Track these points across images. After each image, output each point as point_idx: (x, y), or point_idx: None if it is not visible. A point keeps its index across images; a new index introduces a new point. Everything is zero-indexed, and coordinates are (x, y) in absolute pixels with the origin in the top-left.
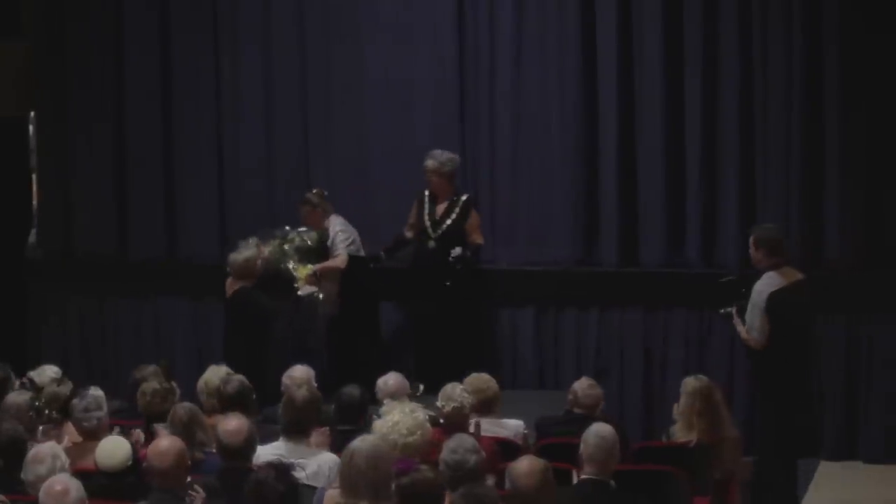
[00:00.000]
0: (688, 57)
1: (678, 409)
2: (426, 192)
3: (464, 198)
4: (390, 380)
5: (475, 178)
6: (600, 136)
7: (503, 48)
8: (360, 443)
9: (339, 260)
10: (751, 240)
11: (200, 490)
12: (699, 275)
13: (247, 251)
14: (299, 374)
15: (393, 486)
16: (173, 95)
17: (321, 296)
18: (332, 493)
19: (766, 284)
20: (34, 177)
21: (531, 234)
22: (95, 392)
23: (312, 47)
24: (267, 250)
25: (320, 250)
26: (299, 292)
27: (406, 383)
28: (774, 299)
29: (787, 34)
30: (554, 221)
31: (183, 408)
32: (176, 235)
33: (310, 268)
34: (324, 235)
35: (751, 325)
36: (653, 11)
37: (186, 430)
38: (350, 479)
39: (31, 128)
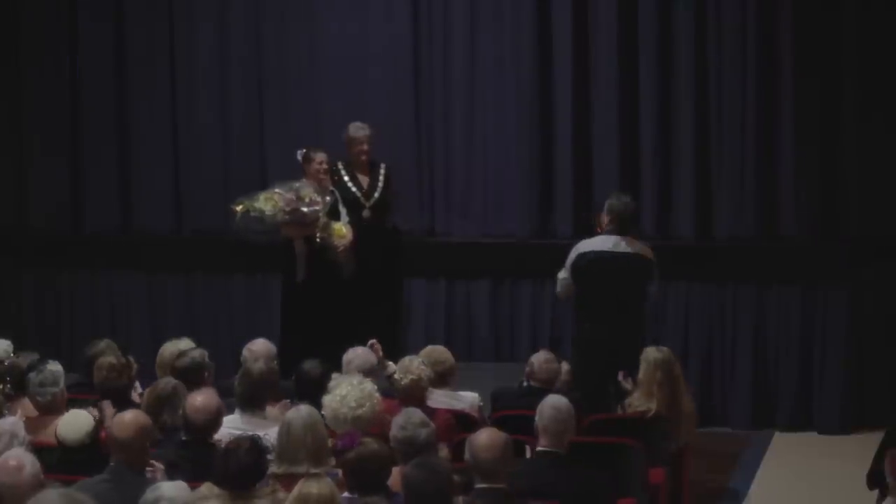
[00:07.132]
0: (642, 27)
1: (639, 379)
2: (339, 163)
3: (384, 165)
4: (357, 353)
5: (430, 151)
6: (555, 107)
7: (458, 19)
8: (294, 413)
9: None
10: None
11: (158, 464)
12: (654, 246)
13: None
14: (258, 348)
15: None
16: (128, 71)
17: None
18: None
19: (587, 243)
20: None
21: (486, 207)
22: (53, 367)
23: (266, 18)
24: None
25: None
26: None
27: (373, 358)
28: (582, 259)
29: (742, 3)
30: (509, 194)
31: (168, 383)
32: (131, 209)
33: (342, 228)
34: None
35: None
36: None
37: (162, 404)
38: (288, 448)
39: None
